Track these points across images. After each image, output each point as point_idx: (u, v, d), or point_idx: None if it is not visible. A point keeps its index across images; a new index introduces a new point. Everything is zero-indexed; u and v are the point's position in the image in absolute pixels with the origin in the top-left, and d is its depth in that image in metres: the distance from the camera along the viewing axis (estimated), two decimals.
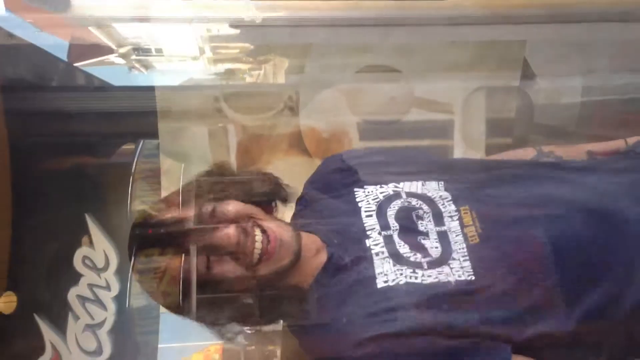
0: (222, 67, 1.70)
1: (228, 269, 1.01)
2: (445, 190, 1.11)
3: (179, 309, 1.03)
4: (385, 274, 1.00)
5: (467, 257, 1.01)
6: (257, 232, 1.03)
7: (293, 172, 1.72)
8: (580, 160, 1.23)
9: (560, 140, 1.80)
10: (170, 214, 1.05)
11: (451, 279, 0.98)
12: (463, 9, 1.59)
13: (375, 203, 1.10)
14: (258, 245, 1.02)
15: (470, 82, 1.75)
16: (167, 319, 1.50)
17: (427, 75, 1.74)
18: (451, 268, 1.00)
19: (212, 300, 1.03)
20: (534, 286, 0.98)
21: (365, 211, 1.09)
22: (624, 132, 1.69)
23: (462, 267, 1.00)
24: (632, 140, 1.26)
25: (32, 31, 1.44)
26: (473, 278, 0.98)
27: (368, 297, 0.99)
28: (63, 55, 1.57)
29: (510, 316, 0.96)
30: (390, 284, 0.99)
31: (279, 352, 1.50)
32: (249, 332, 1.21)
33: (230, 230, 1.01)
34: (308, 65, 1.69)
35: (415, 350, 0.95)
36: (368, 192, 1.12)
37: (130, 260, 1.04)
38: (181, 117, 1.67)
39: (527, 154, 1.29)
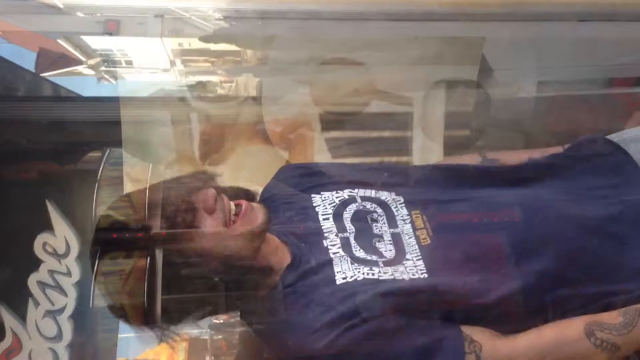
0: (193, 79, 1.71)
1: (207, 223, 1.06)
2: (398, 195, 1.17)
3: (143, 309, 1.06)
4: (344, 272, 1.04)
5: (420, 257, 1.06)
6: (232, 204, 1.10)
7: (255, 161, 1.74)
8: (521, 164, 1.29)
9: (515, 134, 1.86)
10: (135, 217, 1.07)
11: (405, 276, 1.03)
12: (425, 5, 1.62)
13: (332, 207, 1.15)
14: (233, 207, 1.09)
15: (431, 76, 1.78)
16: None
17: (389, 68, 1.77)
18: (405, 267, 1.05)
19: (179, 291, 1.06)
20: (485, 282, 1.04)
21: (322, 215, 1.14)
22: (576, 126, 1.77)
23: (415, 266, 1.05)
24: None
25: None
26: (426, 276, 1.03)
27: (329, 293, 1.02)
28: (30, 66, 1.56)
29: (465, 310, 1.02)
30: (349, 280, 1.03)
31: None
32: (216, 321, 1.24)
33: (210, 190, 1.08)
34: (272, 56, 1.70)
35: (373, 336, 0.99)
36: (324, 197, 1.17)
37: (94, 263, 1.06)
38: (144, 105, 1.67)
39: (472, 159, 1.35)
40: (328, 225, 1.12)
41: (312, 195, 1.18)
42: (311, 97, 1.74)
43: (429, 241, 1.08)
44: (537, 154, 1.33)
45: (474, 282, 1.04)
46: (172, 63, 1.66)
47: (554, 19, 1.65)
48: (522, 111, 1.83)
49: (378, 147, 1.82)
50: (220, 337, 1.60)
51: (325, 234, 1.11)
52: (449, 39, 1.72)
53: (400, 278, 1.03)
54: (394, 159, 1.83)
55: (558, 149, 1.34)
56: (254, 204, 1.13)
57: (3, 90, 1.57)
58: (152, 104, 1.65)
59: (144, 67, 1.69)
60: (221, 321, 1.51)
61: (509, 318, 1.03)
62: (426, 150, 1.81)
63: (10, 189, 1.53)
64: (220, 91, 1.73)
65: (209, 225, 1.06)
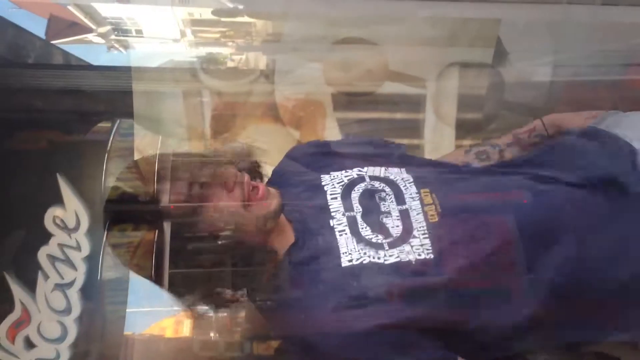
0: (203, 50, 1.70)
1: (225, 199, 1.09)
2: (407, 173, 1.16)
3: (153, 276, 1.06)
4: (350, 253, 1.04)
5: (427, 235, 1.06)
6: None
7: (266, 139, 1.73)
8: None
9: (528, 118, 1.84)
10: (146, 189, 1.07)
11: (411, 257, 1.03)
12: None
13: (340, 186, 1.15)
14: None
15: (444, 57, 1.77)
16: (137, 284, 1.52)
17: (403, 49, 1.76)
18: (412, 246, 1.04)
19: (187, 265, 1.06)
20: (492, 264, 1.03)
21: (331, 194, 1.14)
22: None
23: (422, 245, 1.04)
24: (547, 118, 1.35)
25: (8, 7, 1.42)
26: (432, 256, 1.03)
27: (334, 276, 1.03)
28: (41, 33, 1.56)
29: (469, 295, 1.02)
30: (355, 262, 1.03)
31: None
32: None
33: (231, 169, 1.11)
34: (285, 35, 1.69)
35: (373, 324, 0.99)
36: (333, 177, 1.17)
37: (104, 234, 1.06)
38: (155, 76, 1.66)
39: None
40: (336, 204, 1.12)
41: (322, 175, 1.18)
42: (324, 77, 1.73)
43: (436, 219, 1.08)
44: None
45: (480, 264, 1.03)
46: (183, 33, 1.65)
47: (577, 2, 1.63)
48: (536, 96, 1.81)
49: (390, 129, 1.81)
50: (225, 313, 1.60)
51: (333, 214, 1.11)
52: (464, 20, 1.70)
53: (406, 259, 1.03)
54: (405, 140, 1.82)
55: (536, 122, 1.35)
56: (271, 189, 1.15)
57: (13, 56, 1.57)
58: (162, 75, 1.65)
59: (154, 37, 1.68)
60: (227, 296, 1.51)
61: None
62: (438, 132, 1.80)
63: (20, 158, 1.53)
64: (230, 64, 1.72)
65: (227, 201, 1.08)
